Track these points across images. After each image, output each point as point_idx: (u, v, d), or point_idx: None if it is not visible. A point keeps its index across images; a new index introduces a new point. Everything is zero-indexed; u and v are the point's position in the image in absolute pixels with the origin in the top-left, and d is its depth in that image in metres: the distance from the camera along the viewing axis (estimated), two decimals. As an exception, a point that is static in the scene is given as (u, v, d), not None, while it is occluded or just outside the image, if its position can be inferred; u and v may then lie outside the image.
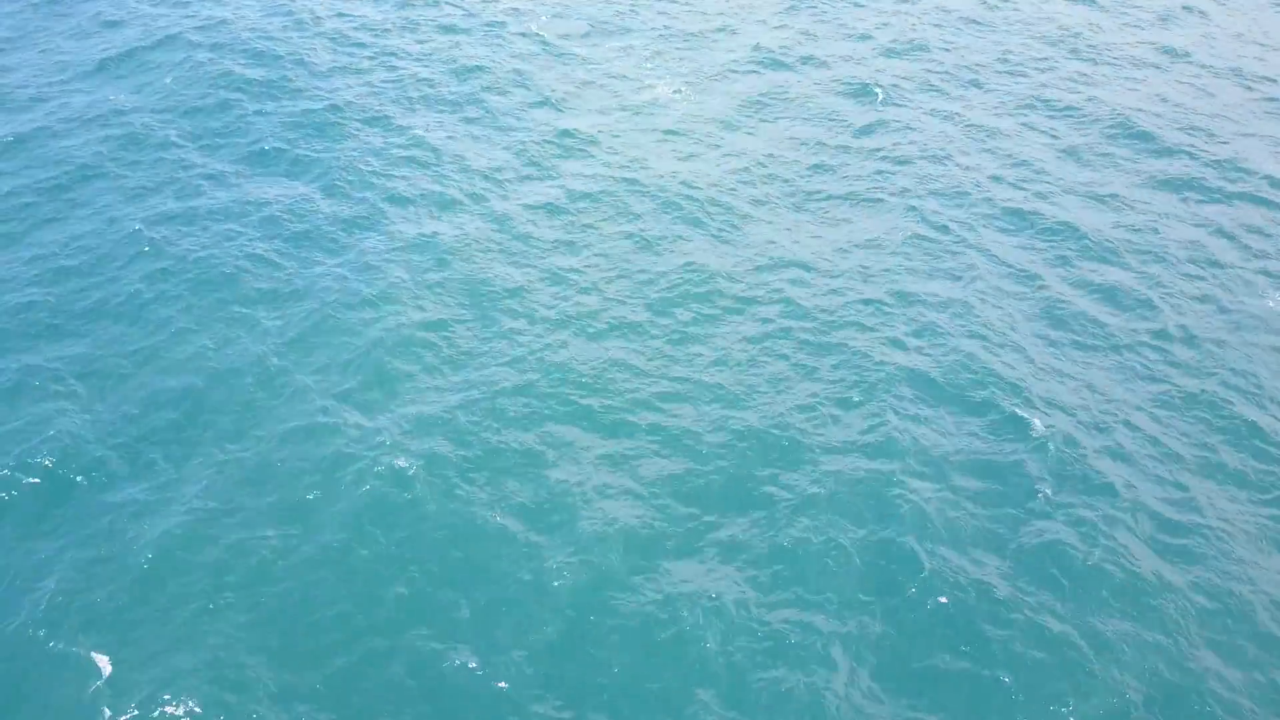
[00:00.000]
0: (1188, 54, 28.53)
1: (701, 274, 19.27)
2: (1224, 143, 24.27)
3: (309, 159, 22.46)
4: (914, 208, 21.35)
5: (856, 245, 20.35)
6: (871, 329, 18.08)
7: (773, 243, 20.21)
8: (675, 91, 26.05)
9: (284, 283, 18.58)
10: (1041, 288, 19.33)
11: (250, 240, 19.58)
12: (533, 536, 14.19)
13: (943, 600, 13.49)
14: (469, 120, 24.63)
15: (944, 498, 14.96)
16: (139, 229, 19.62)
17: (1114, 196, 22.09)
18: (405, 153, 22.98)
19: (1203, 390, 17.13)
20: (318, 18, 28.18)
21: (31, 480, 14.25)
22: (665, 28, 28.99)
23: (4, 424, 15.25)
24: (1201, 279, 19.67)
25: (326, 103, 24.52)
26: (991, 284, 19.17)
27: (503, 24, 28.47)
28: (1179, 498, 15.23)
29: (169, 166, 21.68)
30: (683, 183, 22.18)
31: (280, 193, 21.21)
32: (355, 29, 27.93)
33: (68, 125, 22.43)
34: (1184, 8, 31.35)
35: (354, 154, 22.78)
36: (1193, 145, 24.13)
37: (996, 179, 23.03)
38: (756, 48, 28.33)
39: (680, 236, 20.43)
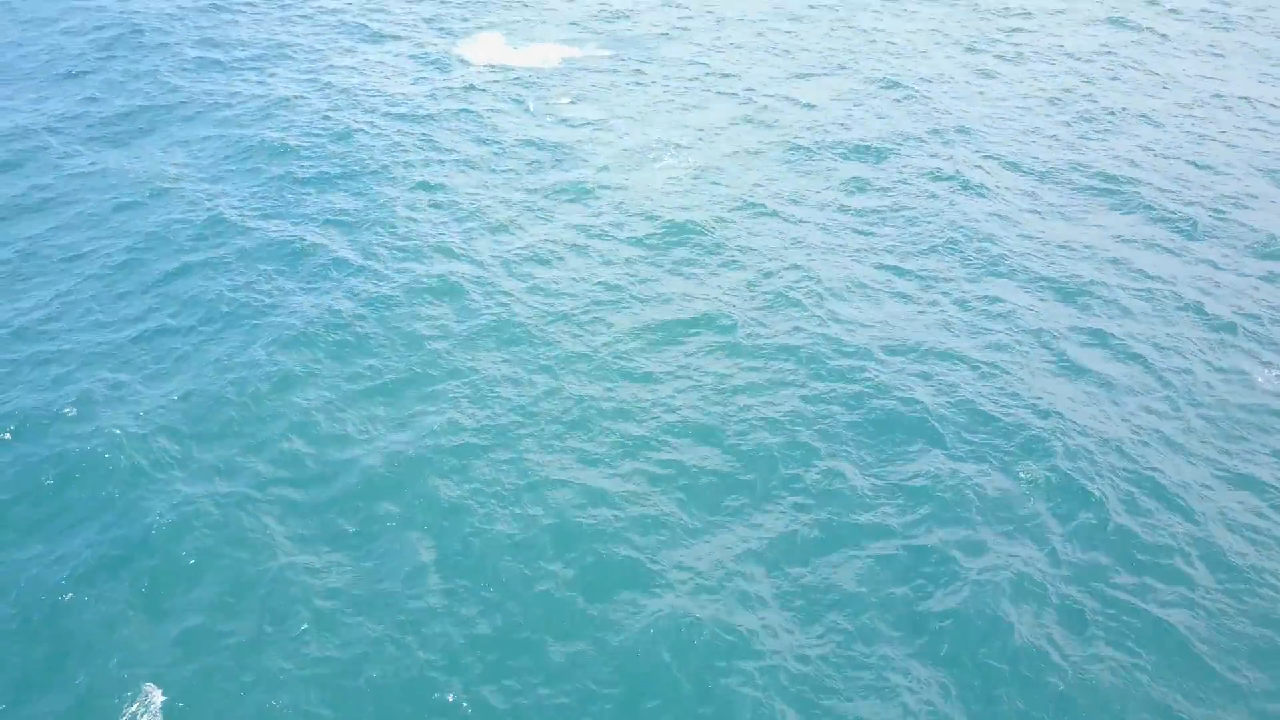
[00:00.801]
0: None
1: (710, 325, 19.44)
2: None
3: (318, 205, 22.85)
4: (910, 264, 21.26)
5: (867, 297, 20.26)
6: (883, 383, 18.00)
7: (771, 275, 20.27)
8: (677, 147, 26.37)
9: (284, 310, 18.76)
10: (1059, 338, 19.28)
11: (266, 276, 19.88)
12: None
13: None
14: (469, 172, 24.92)
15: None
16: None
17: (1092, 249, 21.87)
18: (410, 202, 23.23)
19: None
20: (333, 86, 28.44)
21: None
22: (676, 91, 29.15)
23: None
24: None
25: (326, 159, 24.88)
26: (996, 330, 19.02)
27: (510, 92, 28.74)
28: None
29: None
30: (686, 227, 22.51)
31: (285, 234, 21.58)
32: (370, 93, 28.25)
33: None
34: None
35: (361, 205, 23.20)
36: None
37: (996, 231, 22.80)
38: (755, 104, 28.47)
39: (684, 278, 20.61)
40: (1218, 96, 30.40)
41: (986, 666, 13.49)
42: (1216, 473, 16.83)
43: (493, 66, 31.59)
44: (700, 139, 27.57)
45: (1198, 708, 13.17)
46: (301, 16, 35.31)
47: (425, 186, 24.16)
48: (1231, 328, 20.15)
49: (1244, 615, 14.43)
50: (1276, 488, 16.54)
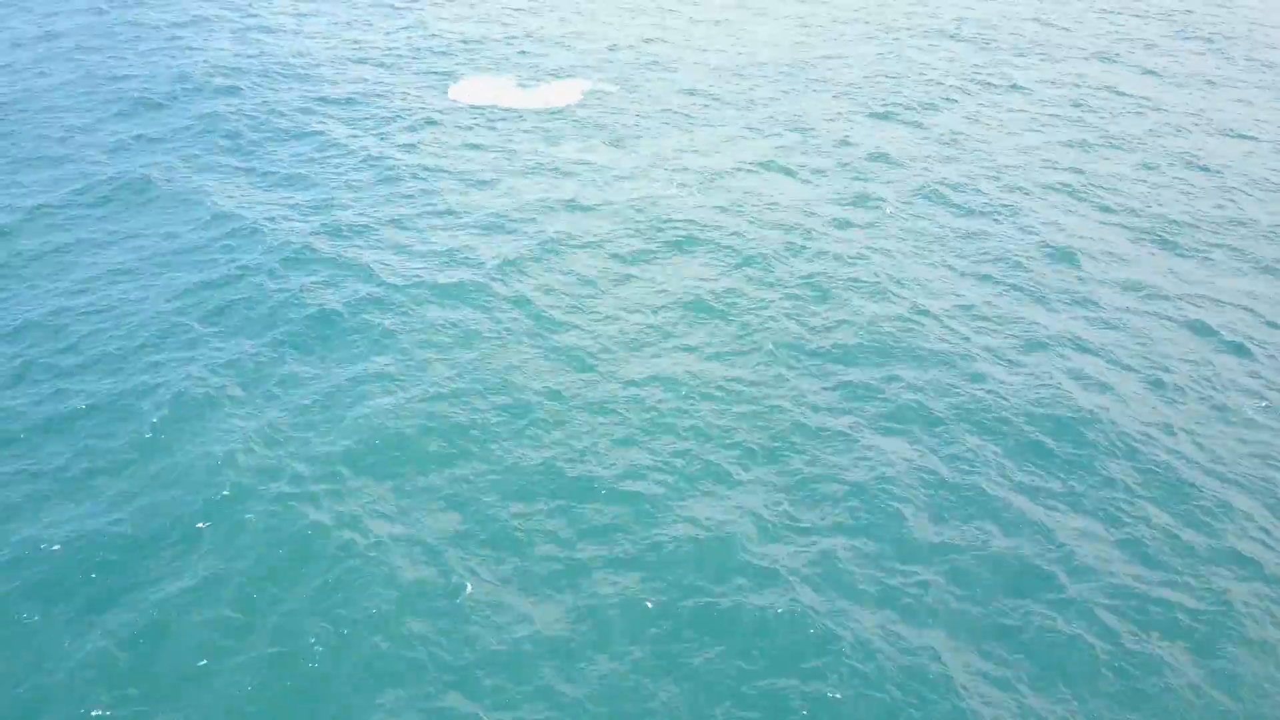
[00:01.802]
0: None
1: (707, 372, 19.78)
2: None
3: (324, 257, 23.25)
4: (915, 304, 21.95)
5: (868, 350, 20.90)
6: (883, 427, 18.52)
7: (767, 329, 20.73)
8: (680, 186, 27.04)
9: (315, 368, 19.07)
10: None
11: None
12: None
13: None
14: (468, 222, 25.45)
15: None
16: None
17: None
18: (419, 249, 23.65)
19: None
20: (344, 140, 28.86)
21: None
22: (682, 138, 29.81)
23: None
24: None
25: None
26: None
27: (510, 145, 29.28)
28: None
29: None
30: (693, 280, 22.88)
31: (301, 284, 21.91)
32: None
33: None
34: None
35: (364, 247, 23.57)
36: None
37: (994, 275, 23.52)
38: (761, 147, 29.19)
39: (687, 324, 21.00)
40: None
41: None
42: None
43: (494, 105, 32.29)
44: (705, 165, 28.40)
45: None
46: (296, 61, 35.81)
47: (425, 220, 24.71)
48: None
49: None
50: None
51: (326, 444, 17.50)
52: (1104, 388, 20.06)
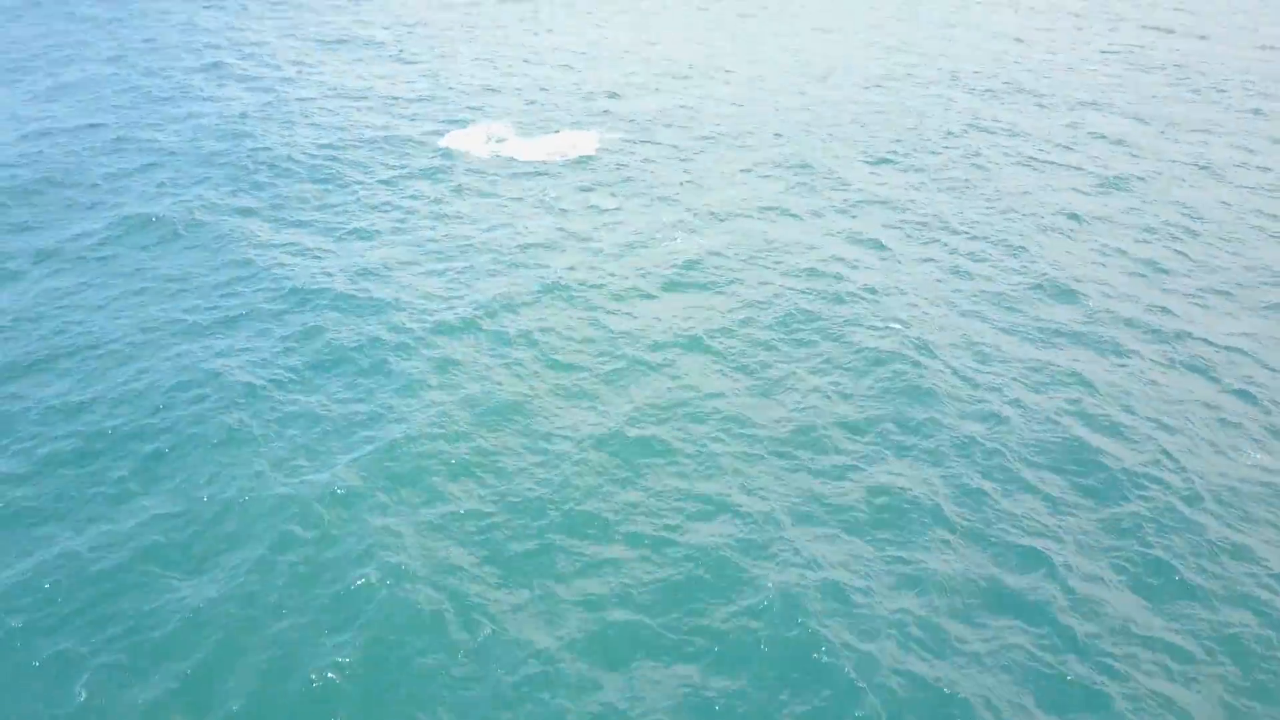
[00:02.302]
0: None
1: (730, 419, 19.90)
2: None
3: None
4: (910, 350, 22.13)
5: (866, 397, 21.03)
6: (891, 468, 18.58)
7: (765, 381, 20.90)
8: (688, 232, 27.48)
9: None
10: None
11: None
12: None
13: None
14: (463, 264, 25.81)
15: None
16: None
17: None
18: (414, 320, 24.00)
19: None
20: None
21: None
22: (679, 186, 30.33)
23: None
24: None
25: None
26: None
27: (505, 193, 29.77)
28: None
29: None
30: (682, 331, 23.15)
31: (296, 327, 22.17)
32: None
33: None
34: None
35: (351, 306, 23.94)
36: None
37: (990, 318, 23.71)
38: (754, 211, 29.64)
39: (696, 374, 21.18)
40: None
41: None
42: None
43: (499, 153, 32.84)
44: (709, 208, 28.85)
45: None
46: (311, 125, 36.57)
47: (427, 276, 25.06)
48: None
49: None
50: None
51: (337, 478, 17.58)
52: (1111, 426, 20.17)
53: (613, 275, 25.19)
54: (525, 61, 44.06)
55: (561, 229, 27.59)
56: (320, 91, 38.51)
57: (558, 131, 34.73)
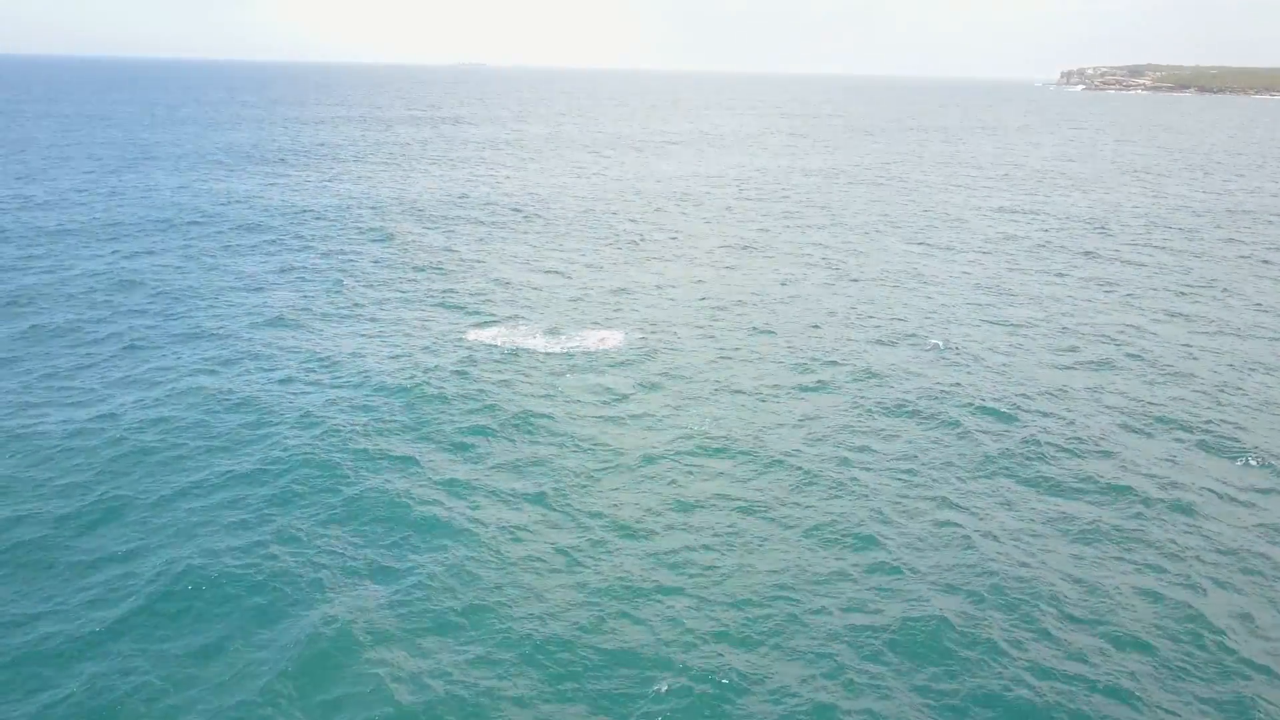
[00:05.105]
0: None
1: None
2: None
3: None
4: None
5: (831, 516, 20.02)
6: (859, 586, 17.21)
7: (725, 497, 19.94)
8: (713, 420, 27.25)
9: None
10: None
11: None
12: None
13: None
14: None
15: None
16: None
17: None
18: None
19: None
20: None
21: None
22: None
23: None
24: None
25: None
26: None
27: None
28: None
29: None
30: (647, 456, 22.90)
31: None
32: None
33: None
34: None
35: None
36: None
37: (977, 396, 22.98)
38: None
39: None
40: None
41: None
42: None
43: (516, 348, 33.05)
44: (724, 387, 29.04)
45: None
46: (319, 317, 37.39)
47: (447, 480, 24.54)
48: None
49: None
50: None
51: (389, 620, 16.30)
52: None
53: (634, 451, 24.59)
54: (526, 266, 45.35)
55: (581, 413, 27.14)
56: (344, 296, 39.37)
57: (575, 331, 34.98)
